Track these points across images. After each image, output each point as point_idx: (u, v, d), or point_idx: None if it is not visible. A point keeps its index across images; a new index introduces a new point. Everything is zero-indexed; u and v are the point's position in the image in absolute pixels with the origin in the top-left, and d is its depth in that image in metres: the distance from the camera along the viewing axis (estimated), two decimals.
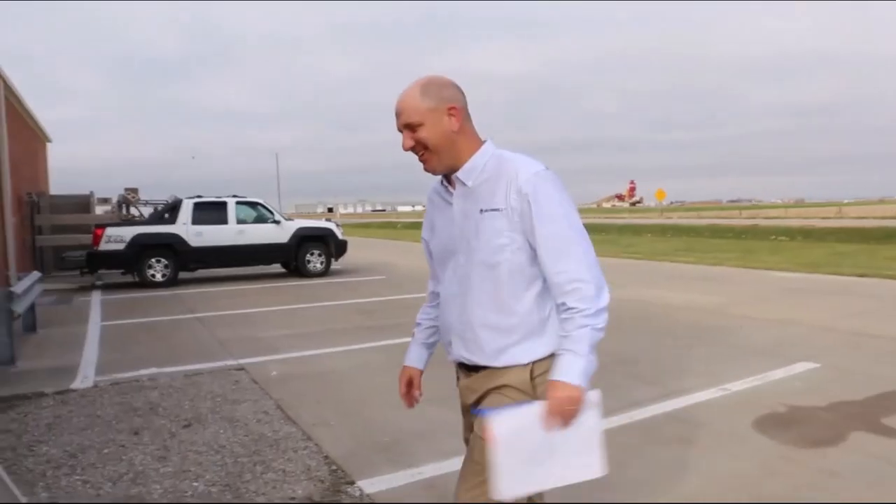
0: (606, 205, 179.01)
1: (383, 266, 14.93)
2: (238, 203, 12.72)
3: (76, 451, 3.49)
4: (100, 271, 12.34)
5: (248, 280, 12.79)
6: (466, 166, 1.60)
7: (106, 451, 3.49)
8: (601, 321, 1.51)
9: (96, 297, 10.56)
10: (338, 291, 10.53)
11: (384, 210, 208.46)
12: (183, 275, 12.40)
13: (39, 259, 13.83)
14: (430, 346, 1.90)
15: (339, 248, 13.36)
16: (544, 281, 1.56)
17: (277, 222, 12.83)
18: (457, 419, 1.80)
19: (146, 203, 16.49)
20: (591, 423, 1.48)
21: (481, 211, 1.57)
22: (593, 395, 1.48)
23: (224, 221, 12.42)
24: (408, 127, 1.59)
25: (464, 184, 1.61)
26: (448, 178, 1.65)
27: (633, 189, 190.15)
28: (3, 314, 5.64)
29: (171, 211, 12.60)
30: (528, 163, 1.59)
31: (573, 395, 1.44)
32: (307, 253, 12.97)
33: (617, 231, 28.99)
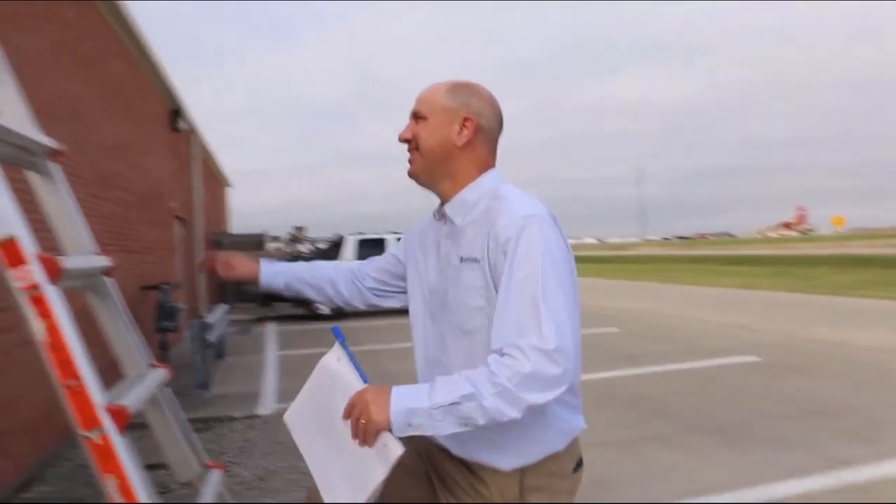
0: (772, 234, 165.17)
1: (619, 312, 11.98)
2: (397, 239, 13.29)
3: (264, 475, 3.71)
4: (273, 303, 13.40)
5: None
6: (456, 199, 1.35)
7: (290, 476, 3.67)
8: (511, 398, 1.09)
9: (271, 328, 11.44)
10: None
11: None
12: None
13: (223, 292, 15.36)
14: (291, 283, 1.65)
15: None
16: None
17: None
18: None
19: (313, 240, 17.78)
20: (375, 464, 1.14)
21: (461, 259, 1.30)
22: (392, 445, 1.13)
23: None
24: (415, 116, 1.38)
25: (451, 221, 1.35)
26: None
27: (802, 215, 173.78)
28: (200, 343, 6.24)
29: (335, 247, 13.45)
30: (516, 205, 1.25)
31: (368, 403, 1.15)
32: None
33: (790, 263, 26.47)
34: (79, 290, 1.62)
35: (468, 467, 1.34)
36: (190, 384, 6.07)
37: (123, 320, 1.68)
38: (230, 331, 10.51)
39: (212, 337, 6.52)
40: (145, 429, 1.71)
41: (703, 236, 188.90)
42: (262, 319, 12.97)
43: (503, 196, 1.30)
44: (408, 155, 1.40)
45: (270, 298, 12.89)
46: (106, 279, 1.67)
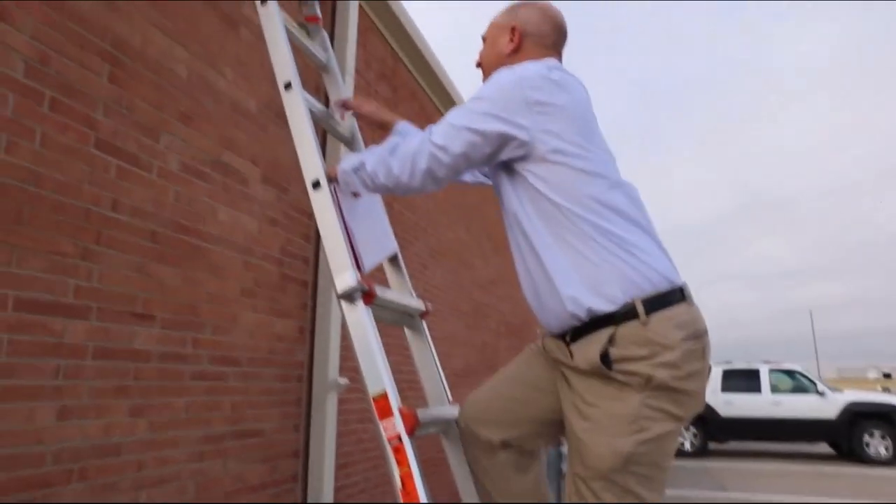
0: None
1: None
2: (772, 370, 11.68)
3: None
4: None
5: (789, 459, 11.25)
6: None
7: None
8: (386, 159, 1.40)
9: None
10: None
11: None
12: (712, 445, 11.82)
13: None
14: None
15: None
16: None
17: (821, 394, 11.14)
18: None
19: None
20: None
21: None
22: None
23: (757, 390, 11.50)
24: (483, 41, 1.57)
25: None
26: None
27: None
28: (555, 472, 6.29)
29: None
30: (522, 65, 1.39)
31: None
32: (864, 433, 10.72)
33: None
34: (432, 435, 1.79)
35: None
36: None
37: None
38: None
39: (564, 467, 6.50)
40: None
41: None
42: None
43: None
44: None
45: None
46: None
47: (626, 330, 1.28)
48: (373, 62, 4.44)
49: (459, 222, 6.42)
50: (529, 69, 1.36)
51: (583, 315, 1.32)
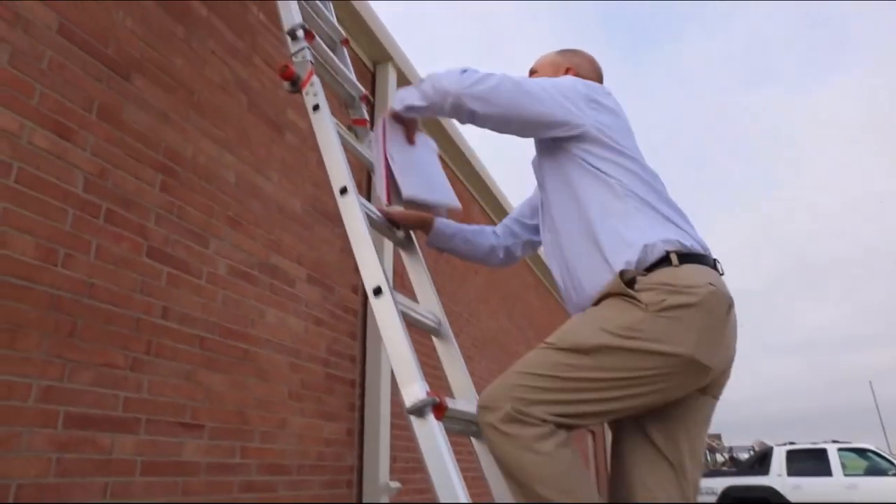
0: None
1: None
2: (840, 450, 10.90)
3: None
4: None
5: None
6: None
7: None
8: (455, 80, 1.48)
9: None
10: None
11: None
12: None
13: None
14: (459, 238, 1.78)
15: None
16: None
17: None
18: None
19: (730, 449, 15.93)
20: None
21: None
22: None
23: (827, 473, 10.69)
24: (530, 73, 1.75)
25: None
26: None
27: None
28: None
29: (760, 460, 11.68)
30: None
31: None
32: None
33: None
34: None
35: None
36: None
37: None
38: None
39: None
40: None
41: None
42: None
43: None
44: None
45: None
46: None
47: (658, 272, 1.32)
48: None
49: (501, 310, 6.32)
50: (586, 80, 1.60)
51: (623, 266, 1.35)
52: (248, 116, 2.73)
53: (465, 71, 1.48)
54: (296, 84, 1.83)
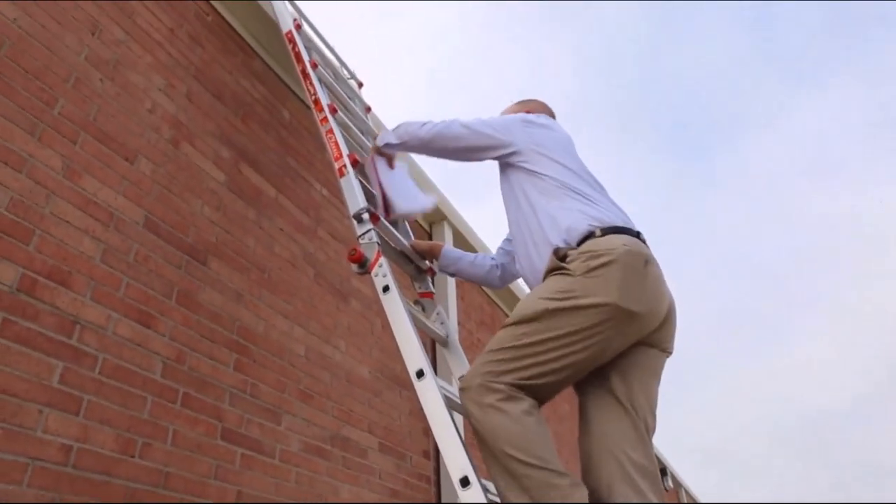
0: None
1: None
2: None
3: None
4: None
5: None
6: None
7: None
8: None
9: None
10: None
11: None
12: None
13: None
14: (464, 262, 2.16)
15: None
16: None
17: None
18: None
19: None
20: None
21: None
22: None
23: None
24: None
25: None
26: None
27: None
28: None
29: None
30: None
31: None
32: None
33: None
34: None
35: None
36: None
37: None
38: None
39: None
40: None
41: None
42: None
43: None
44: None
45: None
46: None
47: (585, 244, 1.58)
48: (472, 311, 4.51)
49: None
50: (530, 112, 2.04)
51: (562, 244, 1.63)
52: (315, 288, 2.80)
53: (424, 124, 1.99)
54: (364, 266, 1.87)
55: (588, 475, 1.48)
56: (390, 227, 2.10)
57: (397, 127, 2.10)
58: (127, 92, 2.11)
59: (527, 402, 1.45)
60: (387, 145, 2.12)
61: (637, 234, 1.66)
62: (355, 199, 2.01)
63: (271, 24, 2.85)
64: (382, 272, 1.81)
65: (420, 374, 1.55)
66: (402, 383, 3.21)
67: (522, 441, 1.37)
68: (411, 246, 2.19)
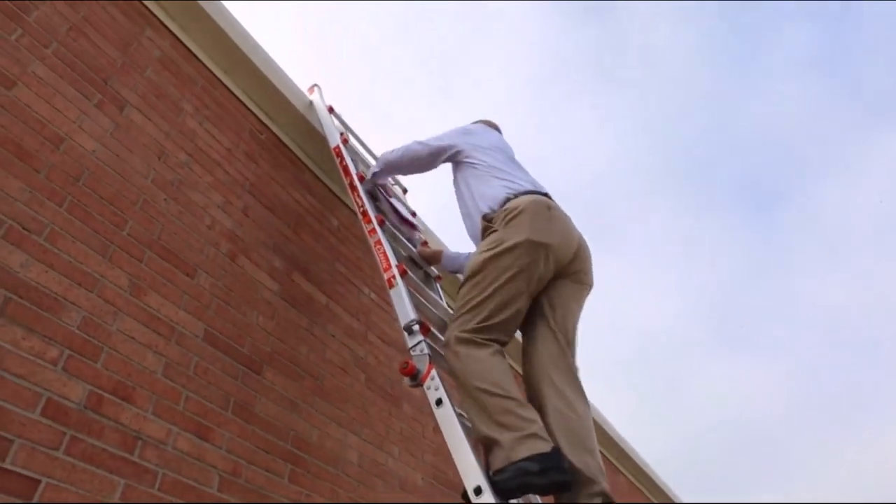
0: None
1: None
2: None
3: None
4: None
5: None
6: None
7: None
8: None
9: None
10: None
11: None
12: None
13: None
14: (464, 258, 2.55)
15: None
16: None
17: None
18: None
19: None
20: None
21: None
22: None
23: None
24: None
25: None
26: None
27: None
28: None
29: None
30: None
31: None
32: None
33: None
34: None
35: None
36: None
37: None
38: None
39: None
40: None
41: None
42: None
43: None
44: None
45: None
46: None
47: (504, 207, 2.10)
48: None
49: None
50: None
51: (489, 210, 2.17)
52: (367, 393, 2.77)
53: (393, 150, 2.61)
54: (416, 378, 1.87)
55: (530, 390, 1.91)
56: (403, 239, 2.63)
57: (377, 160, 2.74)
58: (189, 210, 2.23)
59: (492, 347, 1.85)
60: (374, 175, 2.68)
61: (545, 194, 2.19)
62: (405, 311, 2.03)
63: (319, 138, 3.01)
64: (435, 385, 1.81)
65: (478, 491, 1.50)
66: (455, 488, 3.09)
67: (488, 375, 1.75)
68: (418, 253, 2.67)
